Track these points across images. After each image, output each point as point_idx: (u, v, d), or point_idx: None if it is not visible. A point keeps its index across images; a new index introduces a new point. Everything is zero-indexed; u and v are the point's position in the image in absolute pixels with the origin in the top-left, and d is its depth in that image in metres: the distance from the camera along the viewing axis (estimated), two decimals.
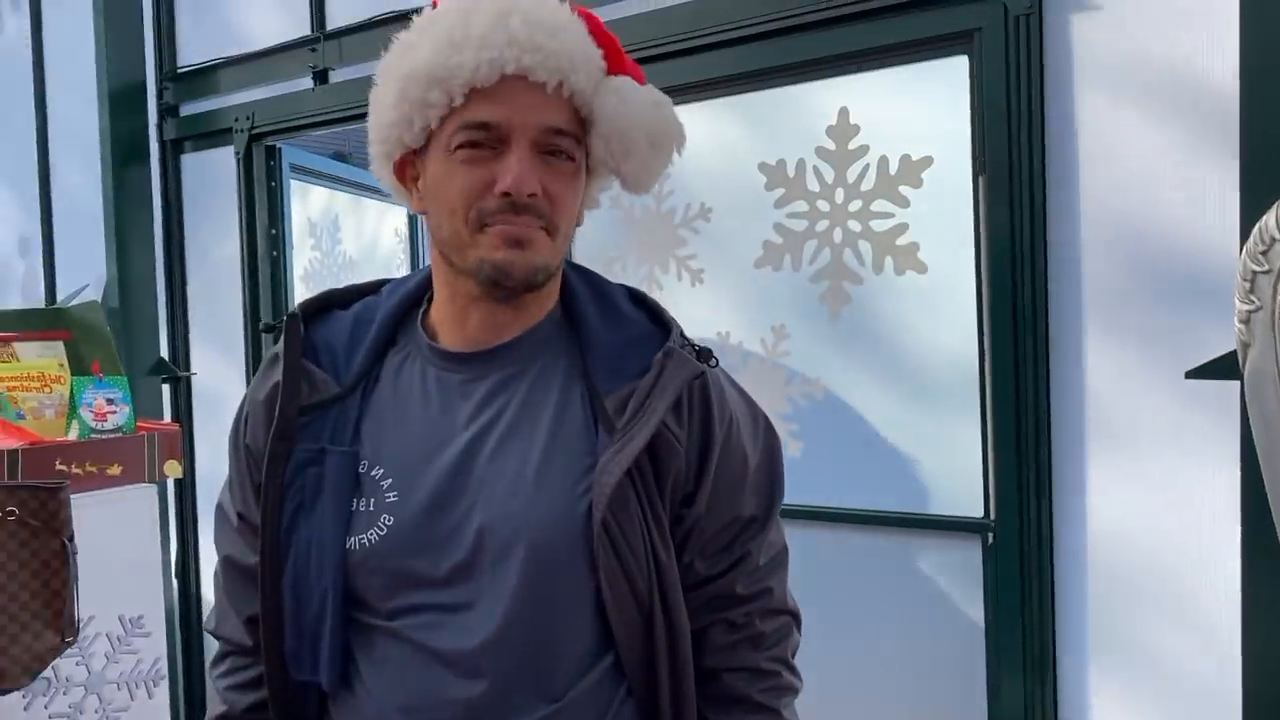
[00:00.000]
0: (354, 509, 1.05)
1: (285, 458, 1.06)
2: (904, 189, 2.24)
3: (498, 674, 1.02)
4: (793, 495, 2.40)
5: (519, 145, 1.03)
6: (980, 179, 2.10)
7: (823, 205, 2.34)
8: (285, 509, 1.06)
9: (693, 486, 1.13)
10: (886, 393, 2.29)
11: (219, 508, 1.20)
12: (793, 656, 1.24)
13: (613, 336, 1.13)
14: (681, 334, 1.16)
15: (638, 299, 1.21)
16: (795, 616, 1.26)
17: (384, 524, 1.04)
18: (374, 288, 1.21)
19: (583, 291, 1.17)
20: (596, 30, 1.09)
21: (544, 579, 1.04)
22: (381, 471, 1.06)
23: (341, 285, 1.21)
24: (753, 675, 1.18)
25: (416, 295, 1.18)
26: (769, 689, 1.18)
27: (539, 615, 1.04)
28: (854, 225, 2.31)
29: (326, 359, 1.12)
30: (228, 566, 1.19)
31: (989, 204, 2.08)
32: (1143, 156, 1.95)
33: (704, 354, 1.16)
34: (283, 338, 1.11)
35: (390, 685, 1.04)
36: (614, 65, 1.09)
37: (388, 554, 1.04)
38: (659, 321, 1.17)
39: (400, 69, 1.05)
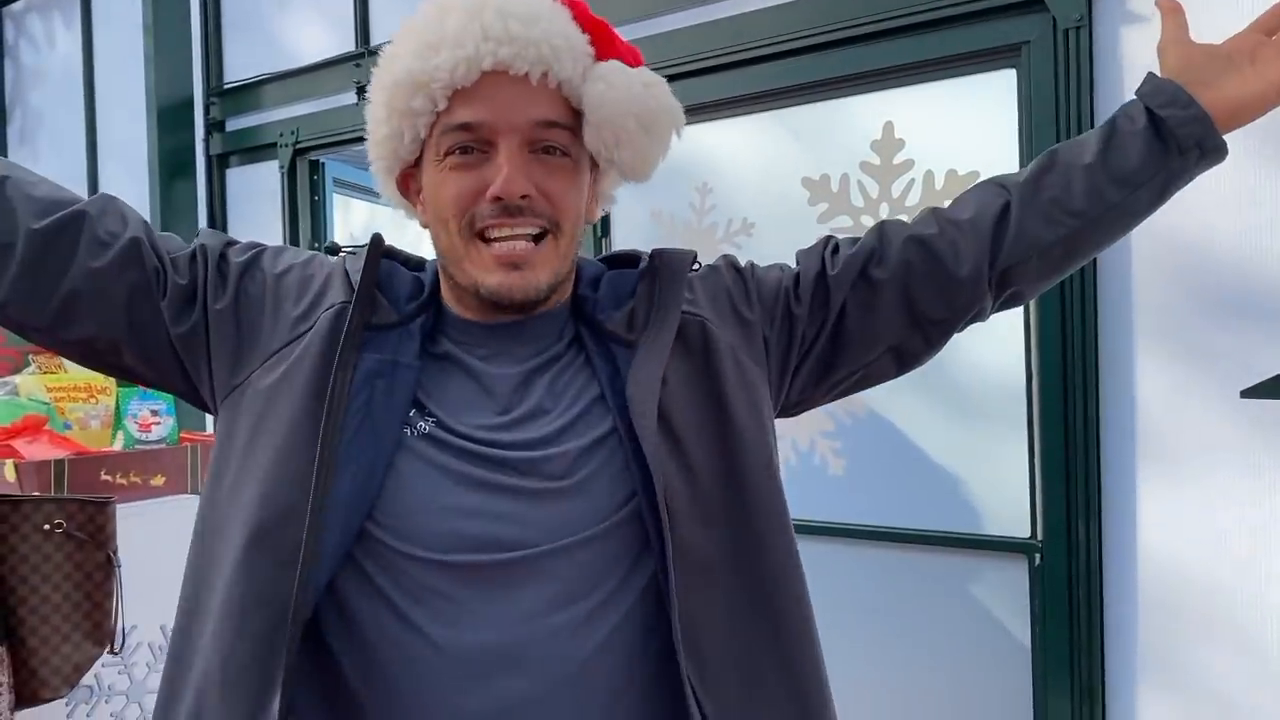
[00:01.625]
0: (404, 434, 0.98)
1: (353, 365, 0.98)
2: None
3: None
4: (835, 514, 2.40)
5: (507, 144, 0.98)
6: None
7: (867, 220, 2.32)
8: (349, 419, 0.97)
9: (785, 312, 1.11)
10: (931, 410, 2.26)
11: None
12: None
13: (602, 283, 1.11)
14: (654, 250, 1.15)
15: (611, 258, 1.18)
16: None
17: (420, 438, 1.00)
18: (421, 263, 1.16)
19: (583, 277, 1.12)
20: (581, 15, 1.04)
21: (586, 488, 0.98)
22: (427, 406, 1.01)
23: None
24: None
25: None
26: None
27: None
28: None
29: (390, 296, 1.06)
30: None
31: None
32: None
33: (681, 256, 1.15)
34: (364, 256, 1.05)
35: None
36: (603, 50, 1.04)
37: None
38: (631, 257, 1.16)
39: (385, 79, 1.02)
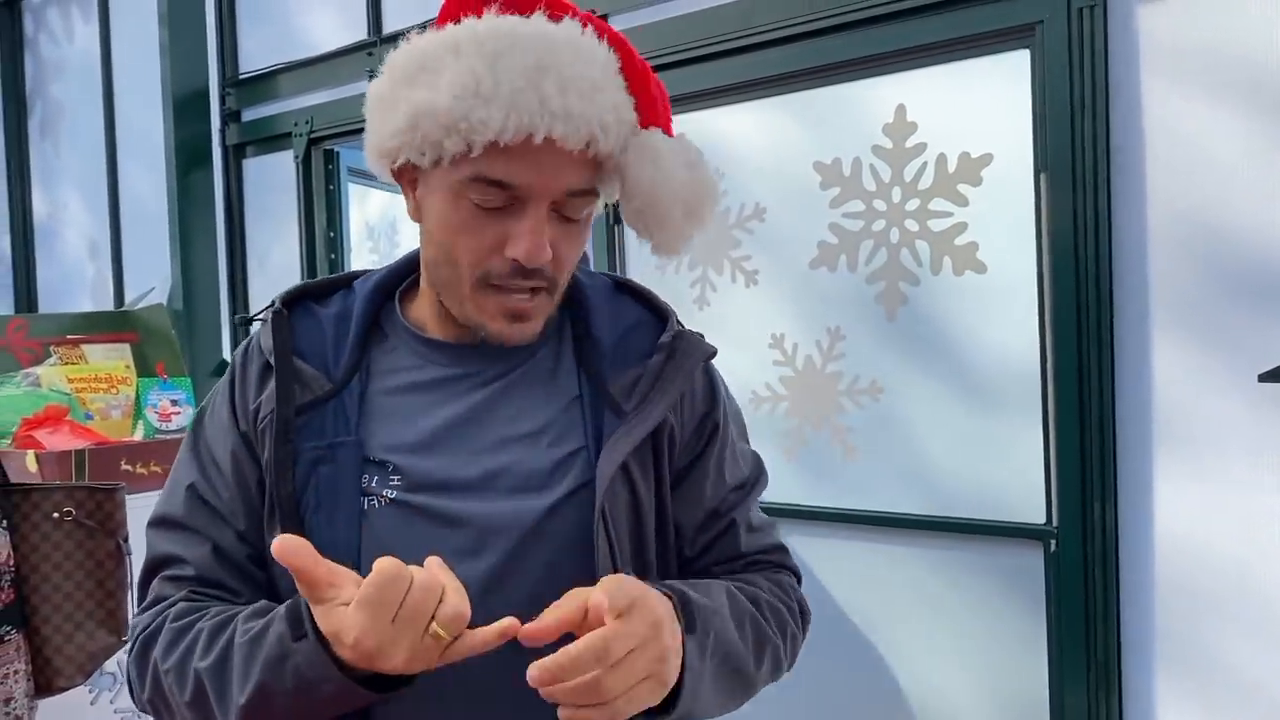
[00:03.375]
0: (364, 508, 1.00)
1: (292, 461, 1.00)
2: (963, 187, 2.19)
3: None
4: (848, 501, 2.39)
5: (536, 210, 0.96)
6: (1042, 176, 2.05)
7: (879, 204, 2.30)
8: (304, 514, 1.00)
9: (684, 466, 1.10)
10: (945, 396, 2.24)
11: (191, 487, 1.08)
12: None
13: (612, 323, 1.10)
14: (677, 319, 1.14)
15: (625, 286, 1.17)
16: (799, 578, 1.22)
17: (387, 505, 1.01)
18: (346, 280, 1.15)
19: (577, 283, 1.13)
20: (631, 72, 1.00)
21: (536, 563, 1.01)
22: (387, 463, 1.02)
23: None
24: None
25: (389, 286, 1.13)
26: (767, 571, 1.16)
27: (516, 599, 0.98)
28: (911, 225, 2.26)
29: (314, 356, 1.06)
30: (194, 497, 1.06)
31: (1051, 202, 2.03)
32: (1213, 151, 1.88)
33: (701, 337, 1.14)
34: (270, 335, 1.04)
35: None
36: (646, 117, 1.01)
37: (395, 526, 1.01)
38: (650, 306, 1.14)
39: (414, 97, 0.95)
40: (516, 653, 0.87)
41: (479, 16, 0.97)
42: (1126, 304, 1.98)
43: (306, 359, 1.05)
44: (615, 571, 1.00)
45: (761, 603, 1.08)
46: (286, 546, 0.84)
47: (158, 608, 1.02)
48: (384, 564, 0.84)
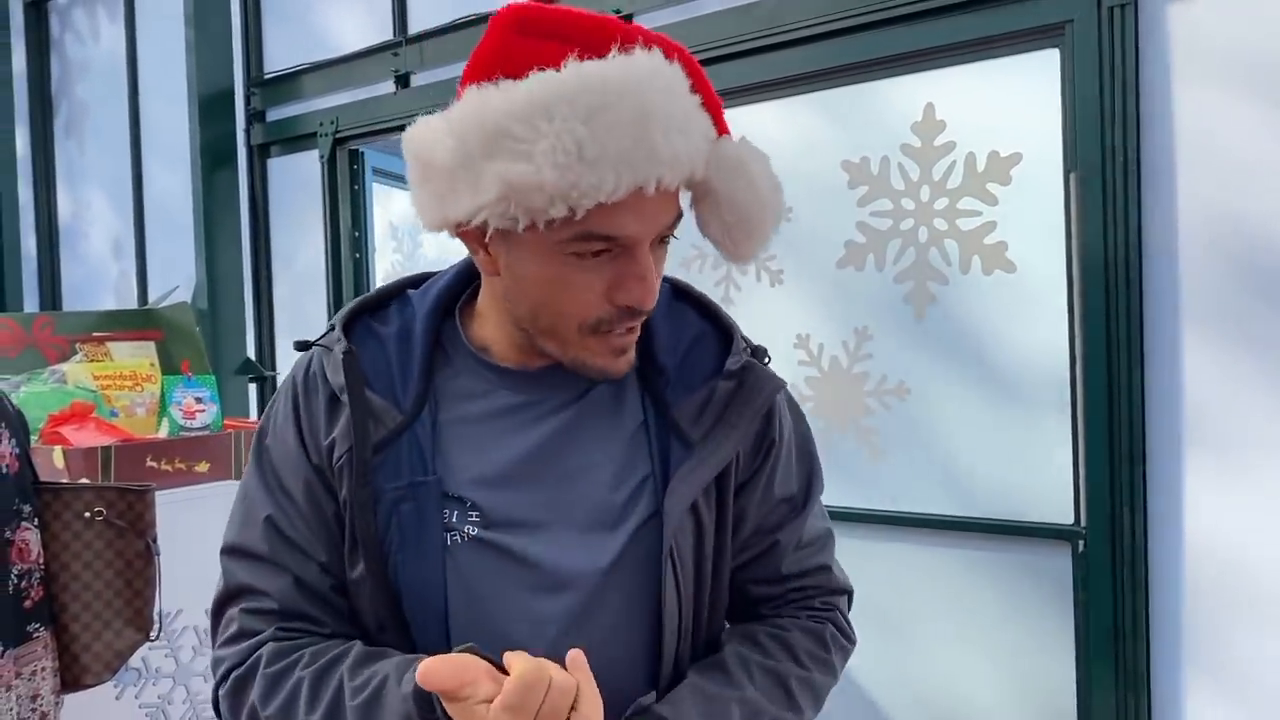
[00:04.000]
0: (446, 543, 1.00)
1: (373, 501, 0.99)
2: (992, 186, 2.18)
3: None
4: (875, 501, 2.38)
5: (643, 253, 0.93)
6: (1072, 176, 2.04)
7: (907, 203, 2.30)
8: (389, 551, 0.99)
9: (744, 480, 1.08)
10: (973, 396, 2.23)
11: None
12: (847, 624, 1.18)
13: (674, 345, 1.07)
14: (742, 336, 1.10)
15: (683, 293, 1.14)
16: (850, 593, 1.21)
17: (469, 542, 1.01)
18: (399, 290, 1.11)
19: None
20: (699, 84, 0.94)
21: (611, 601, 1.01)
22: (466, 499, 1.01)
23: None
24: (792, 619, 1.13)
25: (448, 302, 1.09)
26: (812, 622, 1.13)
27: (595, 637, 1.00)
28: (940, 224, 2.25)
29: (381, 384, 1.03)
30: (273, 529, 1.04)
31: (1081, 201, 2.02)
32: (1244, 151, 1.87)
33: (759, 352, 1.10)
34: (339, 369, 1.02)
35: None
36: (720, 125, 0.97)
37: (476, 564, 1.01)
38: (709, 316, 1.11)
39: (505, 170, 0.87)
40: None
41: (547, 64, 0.88)
42: (1157, 304, 1.97)
43: (373, 387, 1.02)
44: (679, 606, 1.02)
45: (791, 681, 1.06)
46: (430, 679, 0.84)
47: (246, 644, 1.02)
48: (525, 668, 0.85)
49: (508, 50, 0.91)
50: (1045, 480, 2.14)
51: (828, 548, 1.17)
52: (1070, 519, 2.10)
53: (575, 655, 0.89)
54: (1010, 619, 2.21)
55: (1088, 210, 2.01)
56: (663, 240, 0.97)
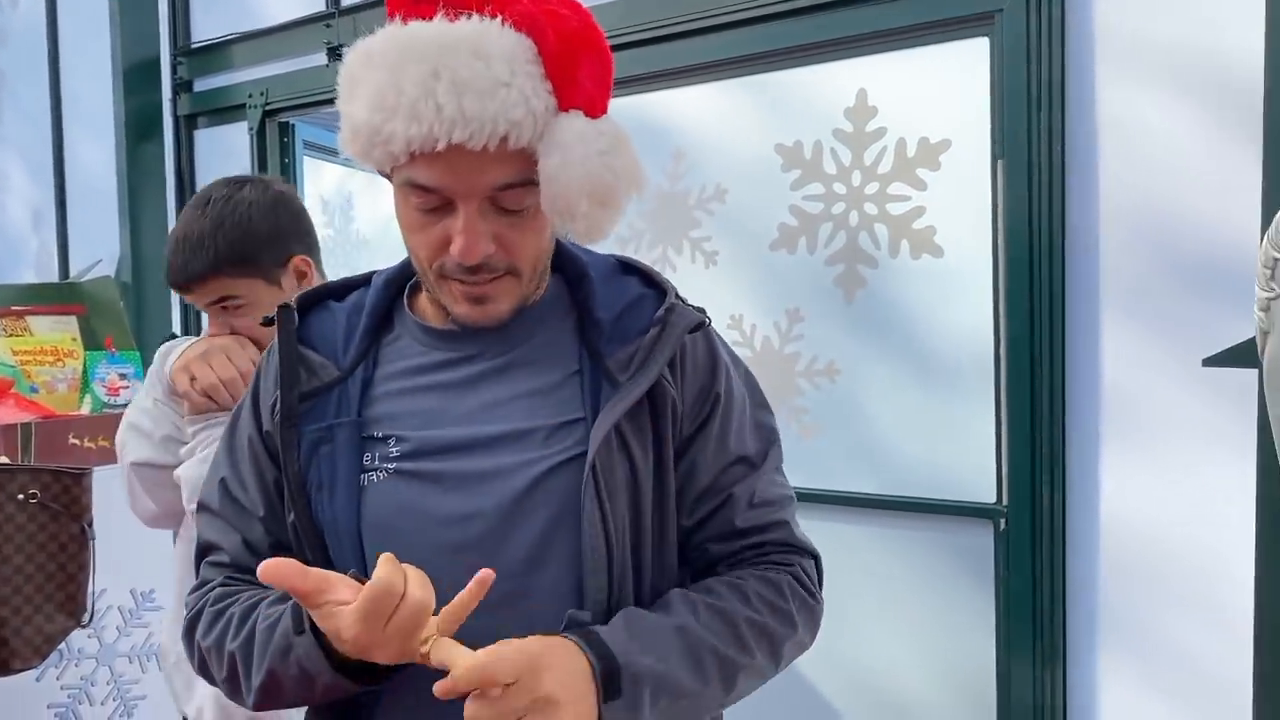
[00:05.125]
0: (362, 484, 1.06)
1: (296, 443, 1.07)
2: (921, 172, 2.22)
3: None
4: (804, 480, 2.41)
5: (466, 209, 0.99)
6: (999, 162, 2.09)
7: (839, 188, 2.33)
8: (310, 492, 1.07)
9: (687, 437, 1.12)
10: (900, 377, 2.28)
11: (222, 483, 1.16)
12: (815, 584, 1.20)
13: (612, 303, 1.13)
14: (676, 293, 1.15)
15: (628, 265, 1.19)
16: (815, 557, 1.22)
17: (386, 480, 1.06)
18: (365, 280, 1.21)
19: (579, 265, 1.15)
20: (548, 50, 0.97)
21: (530, 528, 1.03)
22: (389, 437, 1.07)
23: (354, 265, 1.20)
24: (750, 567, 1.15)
25: (401, 281, 1.18)
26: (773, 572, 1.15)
27: (513, 570, 1.02)
28: (870, 208, 2.29)
29: (325, 347, 1.13)
30: (225, 491, 1.15)
31: (1007, 188, 2.07)
32: (1166, 140, 1.93)
33: (700, 312, 1.15)
34: (276, 328, 1.12)
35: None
36: (566, 98, 0.98)
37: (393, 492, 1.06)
38: (652, 284, 1.16)
39: (346, 110, 1.01)
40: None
41: (404, 22, 0.98)
42: (1078, 289, 2.03)
43: (317, 348, 1.12)
44: (606, 539, 1.03)
45: (740, 621, 1.06)
46: (270, 571, 0.90)
47: (201, 590, 1.13)
48: (379, 577, 0.90)
49: (393, 6, 1.01)
50: (969, 460, 2.19)
51: (787, 509, 1.20)
52: (993, 498, 2.16)
53: (484, 574, 0.92)
54: (934, 596, 2.27)
55: (1013, 197, 2.05)
56: (509, 208, 1.01)
